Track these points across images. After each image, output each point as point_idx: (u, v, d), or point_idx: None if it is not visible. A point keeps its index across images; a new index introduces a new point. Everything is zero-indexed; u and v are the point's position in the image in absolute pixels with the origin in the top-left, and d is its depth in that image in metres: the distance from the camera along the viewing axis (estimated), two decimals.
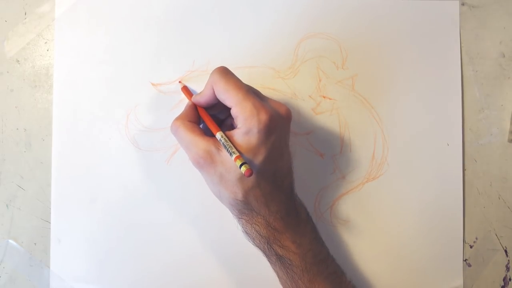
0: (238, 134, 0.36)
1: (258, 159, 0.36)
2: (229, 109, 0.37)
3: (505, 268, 0.47)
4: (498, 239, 0.47)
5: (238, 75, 0.45)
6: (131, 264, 0.45)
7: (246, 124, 0.35)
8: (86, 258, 0.44)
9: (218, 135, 0.37)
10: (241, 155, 0.35)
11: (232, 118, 0.38)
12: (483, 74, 0.47)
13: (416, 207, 0.46)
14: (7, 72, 0.45)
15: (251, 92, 0.37)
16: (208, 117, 0.39)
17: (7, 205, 0.45)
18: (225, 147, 0.36)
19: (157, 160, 0.45)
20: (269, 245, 0.38)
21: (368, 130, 0.46)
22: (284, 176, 0.38)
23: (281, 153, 0.38)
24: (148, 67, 0.45)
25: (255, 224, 0.37)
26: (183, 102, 0.45)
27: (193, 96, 0.41)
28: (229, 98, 0.36)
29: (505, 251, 0.47)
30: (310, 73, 0.46)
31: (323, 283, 0.38)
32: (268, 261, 0.40)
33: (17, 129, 0.45)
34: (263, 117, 0.35)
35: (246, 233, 0.39)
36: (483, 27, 0.47)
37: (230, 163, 0.35)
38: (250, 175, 0.33)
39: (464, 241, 0.46)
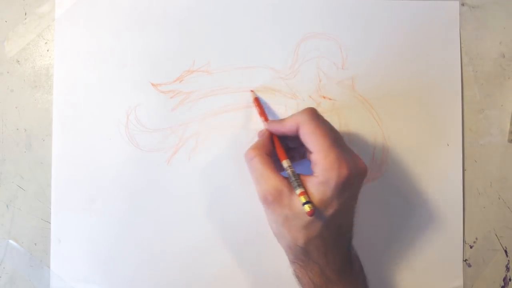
0: (313, 182, 0.35)
1: (329, 211, 0.35)
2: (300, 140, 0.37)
3: (505, 268, 0.47)
4: (498, 239, 0.47)
5: (238, 75, 0.45)
6: (131, 264, 0.45)
7: (325, 175, 0.35)
8: (86, 258, 0.44)
9: (285, 163, 0.37)
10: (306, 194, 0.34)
11: (303, 147, 0.37)
12: (483, 74, 0.47)
13: (416, 207, 0.46)
14: (7, 72, 0.45)
15: (337, 142, 0.36)
16: (278, 142, 0.39)
17: (7, 205, 0.45)
18: (290, 177, 0.36)
19: (157, 160, 0.45)
20: None
21: (368, 130, 0.46)
22: (347, 230, 0.38)
23: (350, 208, 0.38)
24: (148, 67, 0.45)
25: (309, 271, 0.37)
26: (184, 103, 0.45)
27: (270, 122, 0.40)
28: (314, 143, 0.35)
29: (505, 251, 0.47)
30: (310, 73, 0.46)
31: None
32: None
33: (17, 129, 0.45)
34: (344, 172, 0.34)
35: (298, 277, 0.38)
36: (483, 27, 0.47)
37: (299, 208, 0.35)
38: (312, 215, 0.33)
39: (464, 241, 0.46)
